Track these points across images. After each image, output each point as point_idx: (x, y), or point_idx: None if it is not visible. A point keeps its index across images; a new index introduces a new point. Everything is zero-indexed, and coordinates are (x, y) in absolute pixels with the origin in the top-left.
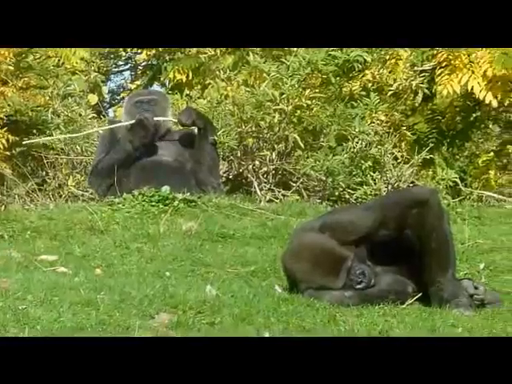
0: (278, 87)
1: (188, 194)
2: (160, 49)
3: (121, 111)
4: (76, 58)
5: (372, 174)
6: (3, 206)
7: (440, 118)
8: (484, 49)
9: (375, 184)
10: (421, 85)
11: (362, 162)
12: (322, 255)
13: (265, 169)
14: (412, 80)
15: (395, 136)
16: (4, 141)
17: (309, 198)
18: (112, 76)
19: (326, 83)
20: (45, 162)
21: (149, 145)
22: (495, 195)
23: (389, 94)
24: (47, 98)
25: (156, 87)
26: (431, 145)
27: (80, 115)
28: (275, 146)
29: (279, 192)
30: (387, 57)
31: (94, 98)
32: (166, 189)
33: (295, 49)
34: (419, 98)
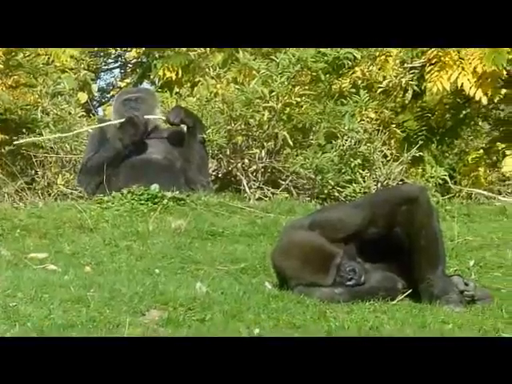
0: (267, 85)
1: (177, 192)
2: None
3: (110, 109)
4: (66, 56)
5: (361, 171)
6: None
7: (429, 115)
8: None
9: (364, 182)
10: (410, 82)
11: (352, 159)
12: (311, 252)
13: (254, 167)
14: (402, 77)
15: (385, 133)
16: None
17: (298, 195)
18: (102, 74)
19: (315, 80)
20: (34, 160)
21: (138, 143)
22: (484, 192)
23: (378, 92)
24: (37, 96)
25: (146, 85)
26: (421, 142)
27: (69, 113)
28: (264, 143)
29: (268, 190)
30: (377, 54)
31: (83, 97)
32: (155, 187)
33: None
34: (409, 95)
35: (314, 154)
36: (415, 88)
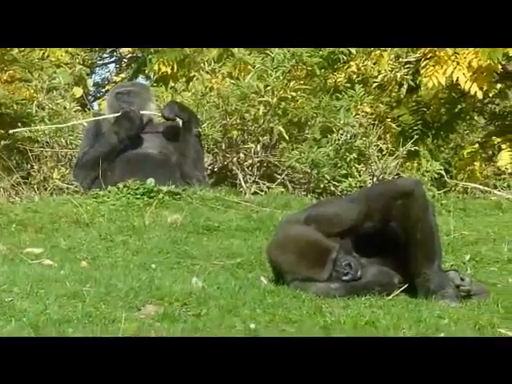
0: (262, 79)
1: (173, 186)
2: None
3: (105, 104)
4: (61, 51)
5: (357, 166)
6: None
7: (425, 109)
8: None
9: (360, 176)
10: (405, 76)
11: (347, 154)
12: (307, 247)
13: (250, 161)
14: (397, 72)
15: (380, 128)
16: None
17: (294, 190)
18: (97, 69)
19: (310, 75)
20: (30, 155)
21: (134, 137)
22: (480, 187)
23: (374, 86)
24: (32, 91)
25: (141, 80)
26: (416, 136)
27: (65, 108)
28: (260, 138)
29: (264, 184)
30: (372, 48)
31: (78, 91)
32: (150, 181)
33: None
34: (404, 89)
35: (309, 148)
36: (410, 82)
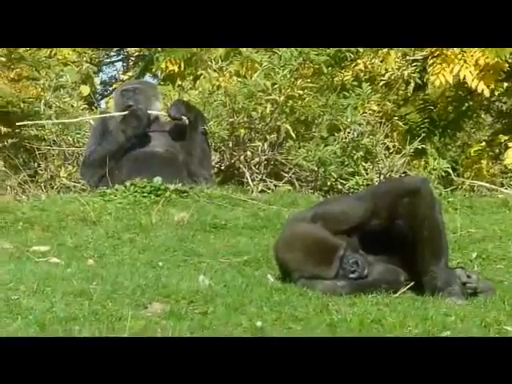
0: (269, 77)
1: (180, 184)
2: None
3: (112, 102)
4: (68, 49)
5: (364, 164)
6: None
7: (432, 107)
8: None
9: (367, 174)
10: (413, 74)
11: (354, 152)
12: (314, 245)
13: (257, 159)
14: (404, 70)
15: (387, 126)
16: None
17: (301, 188)
18: (104, 67)
19: (317, 73)
20: (37, 153)
21: (141, 135)
22: (487, 185)
23: (381, 84)
24: (39, 89)
25: (148, 78)
26: (423, 135)
27: (72, 106)
28: (267, 136)
29: (271, 182)
30: None
31: (85, 89)
32: (157, 179)
33: None
34: (411, 87)
35: (316, 146)
36: (417, 80)
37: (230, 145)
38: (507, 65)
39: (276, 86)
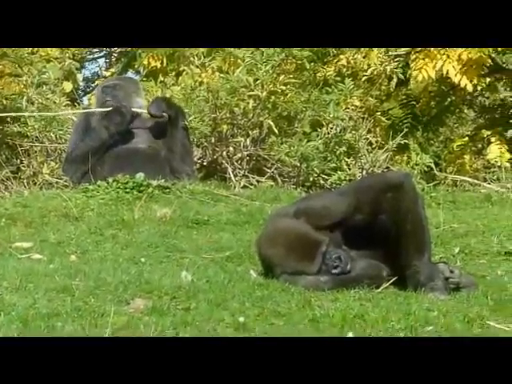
0: (252, 73)
1: (162, 180)
2: None
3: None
4: None
5: (346, 159)
6: None
7: (414, 103)
8: None
9: (350, 169)
10: (395, 70)
11: (337, 147)
12: (296, 240)
13: (239, 155)
14: (386, 65)
15: (370, 121)
16: None
17: (283, 183)
18: (87, 63)
19: (300, 69)
20: (19, 149)
21: (124, 132)
22: (470, 180)
23: (363, 80)
24: (22, 85)
25: (130, 74)
26: (406, 130)
27: (54, 103)
28: (249, 132)
29: (253, 178)
30: None
31: (68, 86)
32: (140, 175)
33: None
34: (394, 83)
35: (299, 141)
36: (400, 76)
37: (213, 140)
38: (490, 60)
39: (258, 81)
